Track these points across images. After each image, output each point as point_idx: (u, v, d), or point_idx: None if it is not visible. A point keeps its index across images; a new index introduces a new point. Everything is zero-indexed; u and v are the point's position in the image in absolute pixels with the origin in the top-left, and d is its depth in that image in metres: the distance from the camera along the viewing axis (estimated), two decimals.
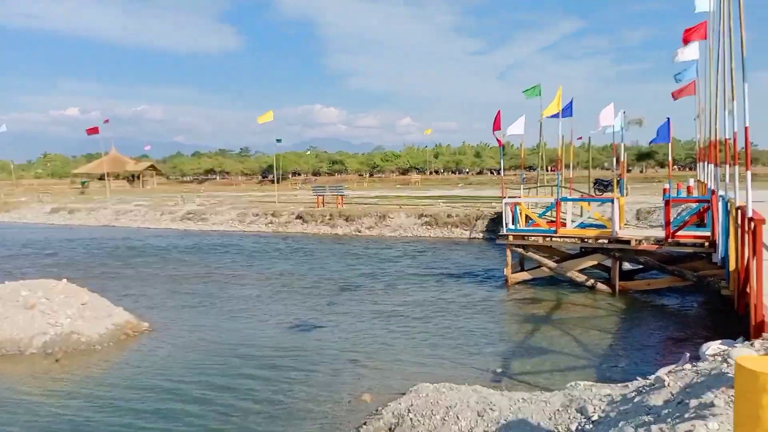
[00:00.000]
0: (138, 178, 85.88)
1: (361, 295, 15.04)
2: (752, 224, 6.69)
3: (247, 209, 34.94)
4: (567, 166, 29.91)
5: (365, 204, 34.61)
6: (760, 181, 50.01)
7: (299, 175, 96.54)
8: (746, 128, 7.09)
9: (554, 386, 7.35)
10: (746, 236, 7.15)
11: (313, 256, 21.98)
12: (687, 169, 69.30)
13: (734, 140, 8.31)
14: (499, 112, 16.05)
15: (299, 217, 31.62)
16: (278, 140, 46.35)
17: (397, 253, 22.43)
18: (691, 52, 16.63)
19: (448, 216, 27.96)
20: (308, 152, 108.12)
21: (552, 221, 15.80)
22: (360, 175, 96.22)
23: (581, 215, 17.07)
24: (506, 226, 15.81)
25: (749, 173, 7.24)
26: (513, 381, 8.45)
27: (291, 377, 8.98)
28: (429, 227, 27.78)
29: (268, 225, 31.90)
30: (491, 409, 6.15)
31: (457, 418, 6.12)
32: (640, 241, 14.00)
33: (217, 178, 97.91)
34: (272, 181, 63.75)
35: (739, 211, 7.89)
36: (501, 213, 17.12)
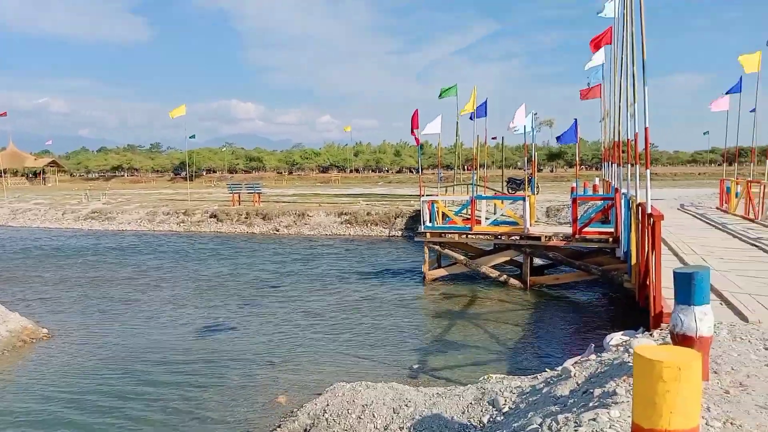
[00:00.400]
0: (39, 175, 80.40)
1: (278, 296, 14.75)
2: (651, 220, 7.07)
3: (157, 207, 33.49)
4: (482, 165, 30.71)
5: (283, 202, 34.08)
6: (660, 180, 53.58)
7: (214, 172, 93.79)
8: (646, 130, 7.48)
9: (468, 380, 7.48)
10: (646, 232, 7.56)
11: (229, 257, 21.36)
12: (594, 168, 73.11)
13: (635, 141, 8.76)
14: (416, 111, 16.22)
15: (213, 215, 30.66)
16: (191, 136, 44.73)
17: (316, 252, 22.21)
18: (597, 56, 17.52)
19: (368, 214, 28.01)
20: (224, 149, 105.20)
21: (468, 219, 16.15)
22: (279, 172, 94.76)
23: (495, 213, 17.57)
24: (424, 224, 15.99)
25: (648, 172, 7.65)
26: (429, 377, 8.52)
27: (203, 383, 8.63)
28: (349, 225, 27.71)
29: (179, 224, 30.71)
30: (407, 405, 6.16)
31: (373, 416, 6.08)
32: (549, 237, 14.57)
33: (126, 175, 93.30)
34: (185, 179, 61.55)
35: (640, 208, 8.33)
36: (419, 211, 17.29)
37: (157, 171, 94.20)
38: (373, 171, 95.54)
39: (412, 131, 16.21)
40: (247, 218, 29.65)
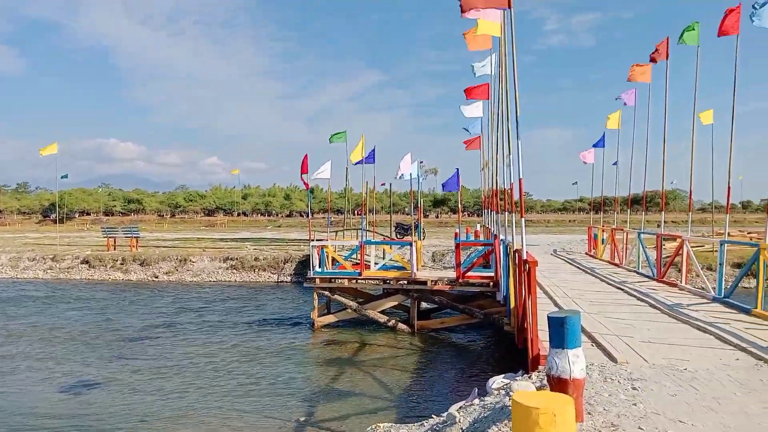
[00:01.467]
0: None
1: (156, 347, 13.82)
2: (527, 266, 7.46)
3: (21, 253, 30.59)
4: (371, 211, 31.18)
5: (164, 247, 32.40)
6: (534, 226, 57.22)
7: (88, 214, 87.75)
8: (520, 180, 7.98)
9: (357, 431, 7.34)
10: (522, 276, 7.96)
11: (100, 306, 19.80)
12: (476, 215, 76.72)
13: (512, 190, 9.30)
14: (306, 156, 16.26)
15: (85, 261, 28.46)
16: (64, 176, 41.57)
17: (199, 299, 21.20)
18: (476, 110, 18.60)
19: (255, 259, 27.31)
20: (100, 189, 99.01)
21: (357, 264, 16.21)
22: (160, 215, 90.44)
23: (384, 258, 17.79)
24: (313, 269, 15.83)
25: (523, 220, 8.10)
26: (317, 428, 8.28)
27: None
28: (235, 271, 26.81)
29: (47, 271, 28.18)
30: None
31: None
32: (435, 281, 14.94)
33: None
34: (55, 221, 56.94)
35: (517, 254, 8.77)
36: (309, 256, 17.12)
37: (24, 213, 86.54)
38: (262, 215, 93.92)
39: (301, 175, 16.18)
40: (123, 264, 27.80)
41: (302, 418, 8.80)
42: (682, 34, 13.25)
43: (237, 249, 30.52)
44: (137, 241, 31.51)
